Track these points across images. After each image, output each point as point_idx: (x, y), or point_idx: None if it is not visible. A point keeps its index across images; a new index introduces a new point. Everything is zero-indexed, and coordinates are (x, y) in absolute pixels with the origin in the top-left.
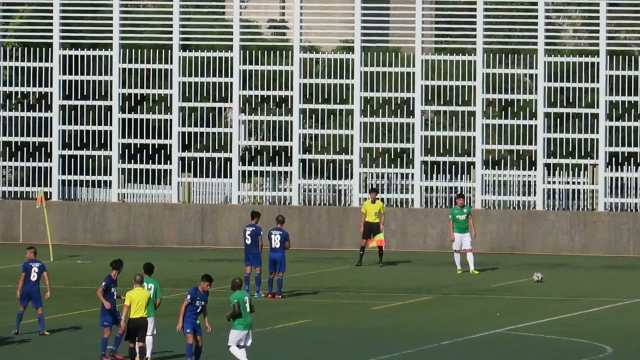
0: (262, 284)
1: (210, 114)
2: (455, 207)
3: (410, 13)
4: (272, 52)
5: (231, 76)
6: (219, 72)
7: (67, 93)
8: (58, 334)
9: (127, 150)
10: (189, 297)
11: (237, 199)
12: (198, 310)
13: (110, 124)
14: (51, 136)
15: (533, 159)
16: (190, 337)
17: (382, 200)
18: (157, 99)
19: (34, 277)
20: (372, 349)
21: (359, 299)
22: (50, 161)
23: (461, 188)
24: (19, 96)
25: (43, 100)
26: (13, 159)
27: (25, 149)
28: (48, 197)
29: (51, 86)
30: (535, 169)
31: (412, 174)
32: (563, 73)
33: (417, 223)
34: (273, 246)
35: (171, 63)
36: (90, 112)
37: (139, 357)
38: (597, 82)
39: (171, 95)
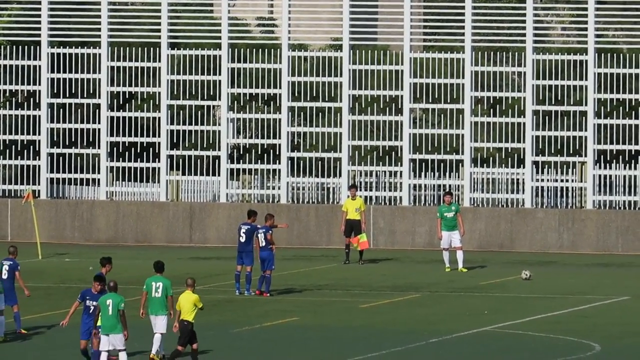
0: (253, 281)
1: (199, 111)
2: (443, 205)
3: (398, 11)
4: (260, 50)
5: (219, 74)
6: (208, 70)
7: (55, 91)
8: (47, 332)
9: (115, 148)
10: (79, 297)
11: (225, 197)
12: (90, 312)
13: (99, 122)
14: (39, 134)
15: (521, 157)
16: (84, 342)
17: (365, 198)
18: (145, 97)
19: (4, 275)
20: (360, 346)
21: (347, 297)
22: (39, 159)
23: (450, 186)
24: (7, 94)
25: (31, 98)
26: (1, 157)
27: (13, 147)
28: (36, 195)
29: (39, 84)
30: (524, 167)
31: (401, 172)
32: (551, 71)
33: (405, 221)
34: (260, 245)
35: (159, 61)
36: (79, 110)
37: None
38: (586, 79)
39: (159, 93)
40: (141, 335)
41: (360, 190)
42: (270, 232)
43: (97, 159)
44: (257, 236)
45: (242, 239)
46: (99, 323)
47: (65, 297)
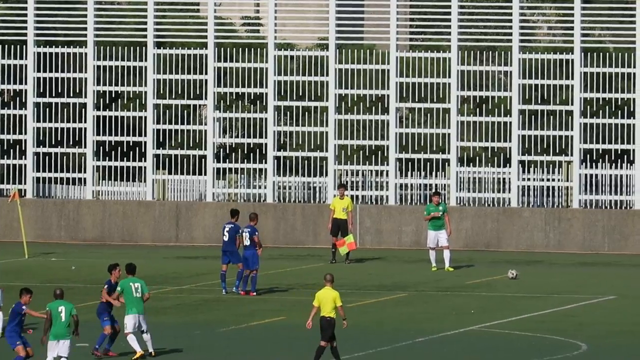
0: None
1: (185, 111)
2: (430, 204)
3: (384, 10)
4: (246, 49)
5: (205, 73)
6: (194, 69)
7: (41, 90)
8: (32, 331)
9: (101, 147)
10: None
11: (211, 197)
12: (23, 324)
13: (85, 122)
14: (25, 134)
15: (508, 156)
16: (21, 348)
17: (352, 197)
18: (131, 96)
19: None
20: (347, 346)
21: None
22: (25, 159)
23: (436, 185)
24: None
25: (17, 98)
26: None
27: None
28: (22, 194)
29: (25, 84)
30: (510, 166)
31: (387, 171)
32: (538, 70)
33: (391, 220)
34: (244, 243)
35: (146, 60)
36: (65, 109)
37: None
38: (572, 79)
39: (146, 92)
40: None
41: (347, 189)
42: (257, 234)
43: (83, 158)
44: (240, 235)
45: (225, 238)
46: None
47: (51, 296)
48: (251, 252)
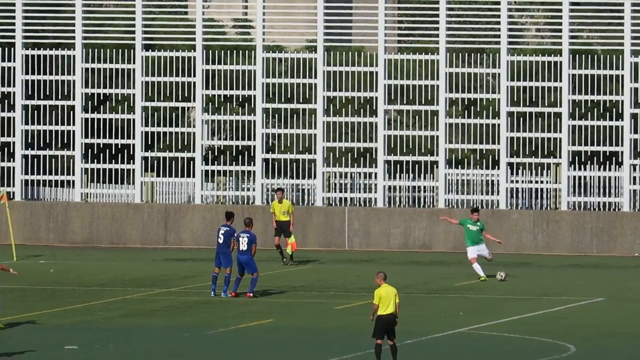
0: (230, 283)
1: (173, 113)
2: (469, 220)
3: (373, 12)
4: (235, 51)
5: (194, 76)
6: (182, 71)
7: (29, 93)
8: (20, 333)
9: (90, 150)
10: None
11: (200, 199)
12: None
13: (73, 124)
14: (14, 136)
15: (496, 158)
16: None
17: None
18: (120, 98)
19: None
20: (335, 348)
21: (322, 299)
22: (13, 161)
23: (425, 188)
24: None
25: (6, 100)
26: None
27: None
28: (11, 197)
29: (14, 86)
30: (499, 168)
31: (375, 174)
32: (526, 72)
33: (380, 222)
34: (240, 248)
35: (134, 63)
36: (53, 112)
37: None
38: (560, 81)
39: (134, 94)
40: (115, 336)
41: (335, 191)
42: (255, 243)
43: (71, 160)
44: (237, 239)
45: (220, 240)
46: None
47: (40, 298)
48: (247, 256)
